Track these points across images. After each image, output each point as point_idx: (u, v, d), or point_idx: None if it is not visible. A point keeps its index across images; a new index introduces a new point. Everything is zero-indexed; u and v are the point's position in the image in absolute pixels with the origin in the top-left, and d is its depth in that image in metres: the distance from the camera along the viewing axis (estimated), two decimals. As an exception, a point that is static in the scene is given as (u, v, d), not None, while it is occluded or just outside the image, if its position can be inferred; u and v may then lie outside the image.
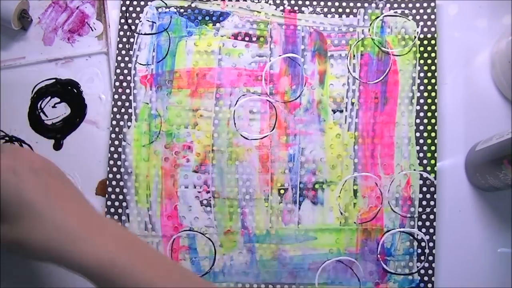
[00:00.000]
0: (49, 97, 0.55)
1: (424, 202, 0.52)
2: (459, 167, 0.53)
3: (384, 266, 0.51)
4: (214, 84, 0.54)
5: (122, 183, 0.52)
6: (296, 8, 0.55)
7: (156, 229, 0.52)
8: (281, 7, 0.55)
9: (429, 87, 0.53)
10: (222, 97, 0.53)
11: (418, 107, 0.53)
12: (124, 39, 0.54)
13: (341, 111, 0.53)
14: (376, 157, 0.53)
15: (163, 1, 0.55)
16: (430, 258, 0.51)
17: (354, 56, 0.54)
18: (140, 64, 0.54)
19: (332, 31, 0.54)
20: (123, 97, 0.53)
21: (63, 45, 0.56)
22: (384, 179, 0.52)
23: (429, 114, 0.53)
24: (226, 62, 0.54)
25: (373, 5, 0.55)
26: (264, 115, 0.53)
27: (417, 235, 0.51)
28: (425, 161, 0.52)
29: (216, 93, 0.54)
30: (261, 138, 0.53)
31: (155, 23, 0.55)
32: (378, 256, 0.51)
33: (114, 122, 0.53)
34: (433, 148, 0.52)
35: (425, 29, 0.54)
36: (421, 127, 0.53)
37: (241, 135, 0.53)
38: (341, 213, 0.52)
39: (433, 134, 0.52)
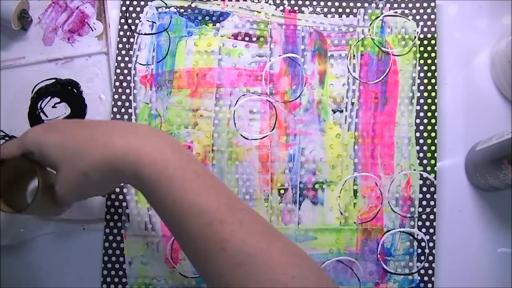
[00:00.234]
0: (49, 97, 0.55)
1: (424, 202, 0.52)
2: (459, 167, 0.53)
3: (384, 266, 0.51)
4: (214, 84, 0.54)
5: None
6: (296, 8, 0.55)
7: (156, 229, 0.52)
8: (281, 7, 0.55)
9: (429, 87, 0.53)
10: (222, 97, 0.53)
11: (418, 107, 0.53)
12: (124, 39, 0.54)
13: (341, 111, 0.53)
14: (376, 157, 0.53)
15: (163, 1, 0.55)
16: (430, 258, 0.51)
17: (354, 56, 0.54)
18: (140, 64, 0.54)
19: (332, 31, 0.54)
20: (123, 97, 0.53)
21: (63, 45, 0.56)
22: (384, 179, 0.52)
23: (429, 114, 0.53)
24: (226, 62, 0.54)
25: (373, 5, 0.55)
26: (264, 115, 0.53)
27: (417, 235, 0.51)
28: (425, 161, 0.52)
29: (216, 93, 0.54)
30: (261, 138, 0.53)
31: (155, 23, 0.55)
32: (378, 256, 0.51)
33: (114, 122, 0.53)
34: (433, 148, 0.52)
35: (425, 29, 0.54)
36: (421, 127, 0.53)
37: (241, 135, 0.53)
38: (341, 213, 0.52)
39: (433, 134, 0.52)
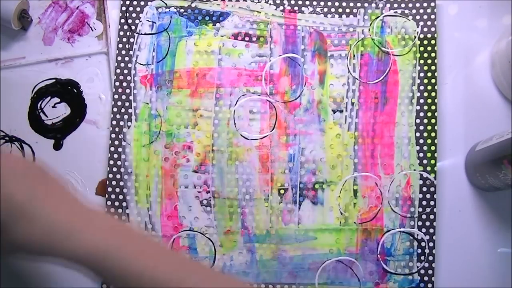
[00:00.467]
0: (49, 97, 0.55)
1: (424, 202, 0.52)
2: (459, 167, 0.53)
3: (384, 266, 0.51)
4: (214, 84, 0.54)
5: (122, 183, 0.52)
6: (296, 8, 0.55)
7: (156, 229, 0.52)
8: (281, 7, 0.55)
9: (429, 87, 0.53)
10: (222, 97, 0.53)
11: (418, 107, 0.53)
12: (124, 39, 0.54)
13: (341, 111, 0.53)
14: (376, 157, 0.53)
15: (163, 1, 0.55)
16: (430, 258, 0.51)
17: (354, 56, 0.54)
18: (140, 64, 0.54)
19: (332, 31, 0.54)
20: (123, 97, 0.53)
21: (63, 45, 0.56)
22: (384, 179, 0.52)
23: (429, 114, 0.53)
24: (226, 62, 0.54)
25: (373, 5, 0.55)
26: (264, 115, 0.53)
27: (417, 235, 0.51)
28: (425, 161, 0.52)
29: (216, 93, 0.54)
30: (261, 138, 0.53)
31: (155, 23, 0.55)
32: (378, 256, 0.51)
33: (114, 122, 0.53)
34: (433, 148, 0.52)
35: (425, 29, 0.54)
36: (421, 127, 0.53)
37: (241, 135, 0.53)
38: (341, 213, 0.52)
39: (433, 134, 0.52)
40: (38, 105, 0.55)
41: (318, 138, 0.53)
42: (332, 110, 0.53)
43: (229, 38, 0.54)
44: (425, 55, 0.53)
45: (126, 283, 0.37)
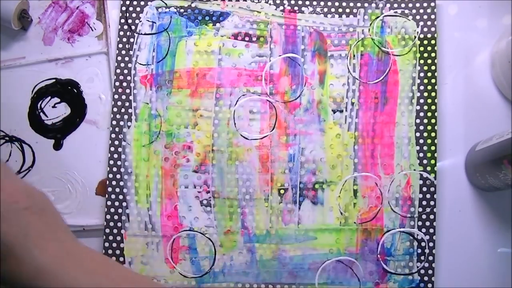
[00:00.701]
0: (49, 97, 0.55)
1: (424, 202, 0.52)
2: (459, 167, 0.53)
3: (384, 266, 0.51)
4: (214, 84, 0.54)
5: (122, 183, 0.52)
6: (296, 8, 0.55)
7: (156, 229, 0.52)
8: (281, 7, 0.55)
9: (429, 87, 0.53)
10: (222, 97, 0.53)
11: (418, 107, 0.53)
12: (124, 39, 0.54)
13: (341, 111, 0.53)
14: (376, 157, 0.53)
15: (163, 1, 0.55)
16: (430, 258, 0.51)
17: (354, 56, 0.54)
18: (140, 64, 0.54)
19: (332, 31, 0.54)
20: (123, 97, 0.53)
21: (63, 45, 0.56)
22: (384, 179, 0.52)
23: (429, 114, 0.53)
24: (226, 62, 0.54)
25: (373, 5, 0.55)
26: (264, 115, 0.53)
27: (417, 235, 0.51)
28: (425, 161, 0.52)
29: (216, 93, 0.53)
30: (261, 138, 0.53)
31: (155, 23, 0.55)
32: (378, 256, 0.51)
33: (114, 122, 0.53)
34: (433, 148, 0.52)
35: (425, 29, 0.54)
36: (421, 127, 0.52)
37: (241, 135, 0.53)
38: (341, 213, 0.52)
39: (433, 134, 0.52)
40: (38, 105, 0.55)
41: (318, 138, 0.53)
42: (332, 110, 0.53)
43: (229, 38, 0.54)
44: (425, 55, 0.53)
45: None
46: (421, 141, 0.52)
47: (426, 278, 0.51)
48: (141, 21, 0.55)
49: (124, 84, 0.54)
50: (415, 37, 0.54)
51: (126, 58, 0.54)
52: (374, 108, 0.53)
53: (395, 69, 0.54)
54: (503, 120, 0.54)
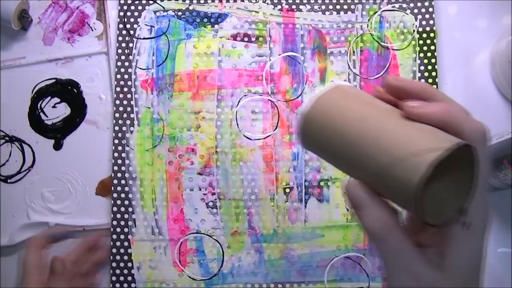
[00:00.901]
0: (49, 97, 0.55)
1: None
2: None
3: (393, 260, 0.51)
4: (215, 85, 0.54)
5: (127, 188, 0.52)
6: (294, 6, 0.55)
7: (163, 233, 0.52)
8: (279, 6, 0.55)
9: (430, 80, 0.53)
10: (224, 99, 0.53)
11: (420, 101, 0.53)
12: (123, 44, 0.54)
13: (343, 108, 0.53)
14: (380, 152, 0.53)
15: (160, 5, 0.55)
16: (438, 250, 0.51)
17: (353, 52, 0.54)
18: (140, 68, 0.54)
19: (331, 28, 0.54)
20: (125, 102, 0.53)
21: (63, 45, 0.56)
22: (389, 174, 0.52)
23: (431, 107, 0.53)
24: (226, 63, 0.54)
25: (371, 0, 0.55)
26: (266, 114, 0.53)
27: (424, 228, 0.51)
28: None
29: (218, 94, 0.53)
30: (264, 138, 0.53)
31: (154, 27, 0.55)
32: (386, 251, 0.51)
33: (116, 128, 0.53)
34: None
35: (424, 22, 0.54)
36: (424, 121, 0.52)
37: (244, 136, 0.53)
38: (347, 210, 0.52)
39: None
40: (38, 105, 0.54)
41: (321, 135, 0.53)
42: (334, 107, 0.53)
43: (228, 39, 0.54)
44: (425, 48, 0.53)
45: None
46: (424, 134, 0.52)
47: (434, 271, 0.51)
48: (139, 25, 0.55)
49: (125, 89, 0.53)
50: (414, 30, 0.54)
51: (126, 63, 0.54)
52: (376, 103, 0.53)
53: (395, 63, 0.54)
54: (503, 120, 0.54)
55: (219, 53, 0.54)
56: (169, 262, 0.52)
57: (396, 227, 0.28)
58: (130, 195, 0.52)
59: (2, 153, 0.54)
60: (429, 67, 0.53)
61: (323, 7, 0.55)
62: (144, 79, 0.54)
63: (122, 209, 0.52)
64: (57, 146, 0.54)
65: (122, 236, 0.51)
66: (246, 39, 0.54)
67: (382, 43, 0.54)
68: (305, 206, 0.52)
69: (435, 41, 0.53)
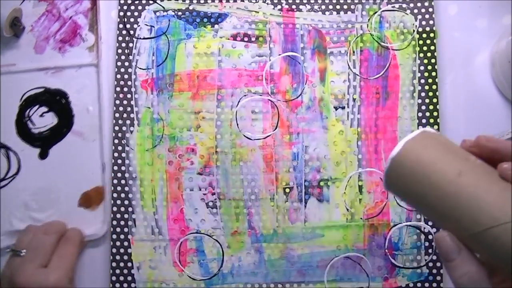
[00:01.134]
0: (38, 106, 0.54)
1: (429, 195, 0.52)
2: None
3: (392, 260, 0.51)
4: (215, 85, 0.54)
5: (127, 188, 0.52)
6: (293, 6, 0.55)
7: (163, 233, 0.52)
8: (279, 6, 0.55)
9: (430, 80, 0.53)
10: (224, 99, 0.53)
11: (420, 101, 0.53)
12: (123, 44, 0.54)
13: (343, 108, 0.53)
14: (380, 152, 0.53)
15: (160, 5, 0.55)
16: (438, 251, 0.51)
17: (353, 52, 0.54)
18: (140, 68, 0.54)
19: (331, 28, 0.54)
20: (125, 102, 0.53)
21: (54, 54, 0.55)
22: (389, 174, 0.52)
23: (431, 107, 0.53)
24: (226, 63, 0.54)
25: (371, 0, 0.55)
26: (266, 114, 0.53)
27: (424, 228, 0.51)
28: (428, 154, 0.52)
29: (218, 94, 0.53)
30: (264, 138, 0.53)
31: (154, 27, 0.55)
32: (386, 250, 0.51)
33: (116, 128, 0.53)
34: (436, 141, 0.52)
35: (424, 23, 0.54)
36: (424, 120, 0.53)
37: (244, 136, 0.53)
38: (347, 210, 0.52)
39: (435, 127, 0.52)
40: (26, 113, 0.54)
41: (321, 135, 0.53)
42: (334, 107, 0.53)
43: (228, 39, 0.54)
44: (425, 48, 0.53)
45: None
46: (424, 134, 0.52)
47: (434, 271, 0.51)
48: (139, 25, 0.55)
49: (125, 89, 0.53)
50: (414, 30, 0.54)
51: (126, 63, 0.54)
52: (376, 103, 0.53)
53: (395, 63, 0.54)
54: (503, 120, 0.54)
55: (219, 53, 0.54)
56: (169, 262, 0.52)
57: (484, 282, 0.29)
58: (130, 195, 0.52)
59: None
60: (429, 67, 0.53)
61: (323, 7, 0.55)
62: (144, 79, 0.54)
63: (122, 209, 0.52)
64: (43, 155, 0.54)
65: (122, 236, 0.51)
66: (246, 39, 0.54)
67: (382, 43, 0.54)
68: (305, 206, 0.52)
69: (435, 41, 0.53)
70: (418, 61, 0.53)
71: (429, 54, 0.53)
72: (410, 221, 0.52)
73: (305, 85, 0.54)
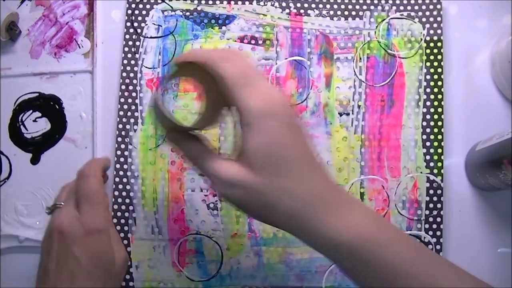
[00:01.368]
0: (31, 111, 0.54)
1: (431, 205, 0.52)
2: (459, 167, 0.53)
3: (391, 268, 0.51)
4: (220, 87, 0.53)
5: (129, 186, 0.52)
6: (302, 11, 0.55)
7: (163, 232, 0.52)
8: (287, 10, 0.55)
9: (436, 90, 0.53)
10: (229, 100, 0.53)
11: (425, 110, 0.53)
12: (130, 43, 0.54)
13: (348, 114, 0.53)
14: (382, 160, 0.53)
15: (168, 4, 0.55)
16: (437, 260, 0.51)
17: (360, 58, 0.54)
18: (146, 67, 0.54)
19: (338, 34, 0.54)
20: (129, 100, 0.53)
21: (49, 59, 0.55)
22: (391, 182, 0.52)
23: (436, 116, 0.53)
24: (232, 65, 0.54)
25: (379, 7, 0.55)
26: (270, 118, 0.53)
27: (424, 237, 0.51)
28: (431, 164, 0.52)
29: (223, 96, 0.53)
30: (268, 141, 0.53)
31: (161, 26, 0.55)
32: (385, 258, 0.51)
33: (120, 126, 0.53)
34: (439, 150, 0.52)
35: (431, 31, 0.54)
36: (428, 130, 0.53)
37: (248, 138, 0.53)
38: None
39: (439, 137, 0.52)
40: (19, 118, 0.54)
41: (324, 141, 0.53)
42: (339, 113, 0.53)
43: (235, 41, 0.54)
44: (431, 57, 0.53)
45: (377, 275, 0.34)
46: (428, 143, 0.52)
47: (433, 281, 0.51)
48: (147, 24, 0.55)
49: (130, 87, 0.53)
50: (421, 39, 0.54)
51: (132, 62, 0.54)
52: (381, 110, 0.53)
53: (401, 71, 0.54)
54: (503, 120, 0.54)
55: (225, 54, 0.54)
56: (168, 262, 0.52)
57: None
58: (131, 194, 0.52)
59: None
60: (435, 77, 0.53)
61: (331, 12, 0.55)
62: (150, 78, 0.54)
63: (123, 207, 0.52)
64: (35, 161, 0.54)
65: (122, 234, 0.51)
66: (253, 41, 0.54)
67: (389, 51, 0.54)
68: (306, 211, 0.52)
69: (442, 50, 0.53)
70: (424, 70, 0.53)
71: (435, 64, 0.53)
72: (411, 230, 0.52)
73: (310, 90, 0.54)
